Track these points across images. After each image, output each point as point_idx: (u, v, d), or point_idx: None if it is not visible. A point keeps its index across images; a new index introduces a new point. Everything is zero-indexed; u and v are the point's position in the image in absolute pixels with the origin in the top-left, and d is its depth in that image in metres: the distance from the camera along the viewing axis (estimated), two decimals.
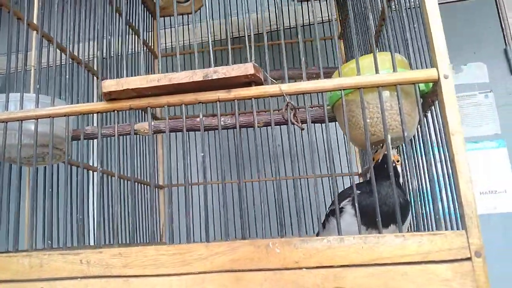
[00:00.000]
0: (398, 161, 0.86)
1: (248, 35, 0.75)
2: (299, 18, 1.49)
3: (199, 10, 1.61)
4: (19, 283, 0.75)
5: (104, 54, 0.82)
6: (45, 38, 0.91)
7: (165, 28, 1.62)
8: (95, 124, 1.23)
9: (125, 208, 1.19)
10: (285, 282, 0.67)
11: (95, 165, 0.78)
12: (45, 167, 0.90)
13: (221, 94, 0.74)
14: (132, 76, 0.74)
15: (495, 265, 1.53)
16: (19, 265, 0.75)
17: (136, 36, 1.42)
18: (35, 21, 0.96)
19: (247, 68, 0.71)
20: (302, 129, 0.74)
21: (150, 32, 1.59)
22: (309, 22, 1.49)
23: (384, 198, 0.81)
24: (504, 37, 1.67)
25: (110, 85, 0.74)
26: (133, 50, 1.38)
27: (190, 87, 0.74)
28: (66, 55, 0.86)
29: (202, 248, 0.71)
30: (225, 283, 0.69)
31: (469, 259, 0.64)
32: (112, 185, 1.05)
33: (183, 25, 1.53)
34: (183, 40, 1.63)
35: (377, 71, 0.72)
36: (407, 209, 0.84)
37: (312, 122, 0.77)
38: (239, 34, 1.76)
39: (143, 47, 1.42)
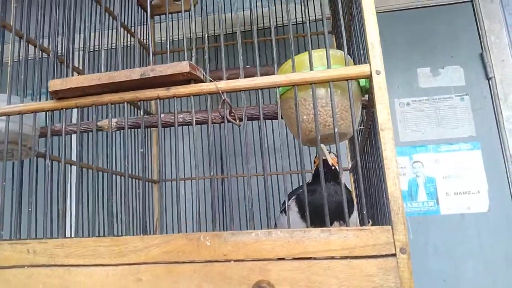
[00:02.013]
0: (337, 163, 0.81)
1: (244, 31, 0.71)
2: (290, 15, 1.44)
3: (194, 8, 1.55)
4: None
5: (85, 49, 0.78)
6: (18, 35, 0.88)
7: (160, 23, 1.57)
8: (74, 121, 1.22)
9: (117, 202, 1.17)
10: (214, 274, 0.62)
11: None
12: (13, 163, 0.88)
13: (161, 92, 0.70)
14: None
15: (468, 263, 1.45)
16: None
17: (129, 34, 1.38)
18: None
19: (182, 66, 0.67)
20: (239, 125, 0.69)
21: (144, 28, 1.53)
22: (302, 20, 1.44)
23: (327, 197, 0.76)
24: (480, 42, 1.59)
25: (56, 84, 0.71)
26: (127, 46, 1.34)
27: (132, 85, 0.71)
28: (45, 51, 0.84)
29: (138, 240, 0.67)
30: (158, 274, 0.65)
31: (393, 255, 0.58)
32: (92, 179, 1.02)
33: (177, 20, 1.47)
34: (178, 36, 1.58)
35: (311, 68, 0.67)
36: (348, 207, 0.78)
37: (248, 120, 0.72)
38: (232, 31, 1.68)
39: (138, 46, 1.40)
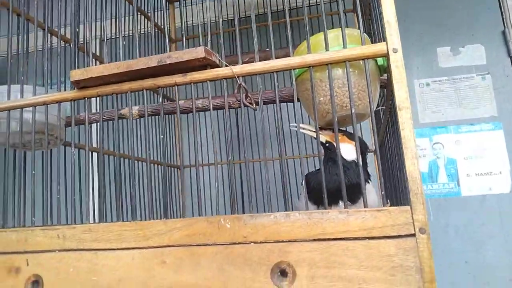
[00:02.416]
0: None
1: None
2: None
3: None
4: (8, 255, 0.75)
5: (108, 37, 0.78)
6: (40, 27, 0.89)
7: (179, 8, 1.55)
8: (93, 110, 1.23)
9: (139, 188, 1.19)
10: (234, 256, 0.63)
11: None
12: (42, 152, 0.90)
13: (178, 78, 0.70)
14: None
15: (489, 244, 1.42)
16: (7, 239, 0.75)
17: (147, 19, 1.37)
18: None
19: (198, 52, 0.67)
20: (255, 109, 0.69)
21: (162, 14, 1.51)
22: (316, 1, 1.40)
23: (329, 176, 0.75)
24: (502, 19, 1.52)
25: (77, 74, 0.72)
26: (145, 32, 1.33)
27: (150, 72, 0.71)
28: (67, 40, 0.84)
29: (161, 224, 0.68)
30: (181, 256, 0.66)
31: (413, 235, 0.57)
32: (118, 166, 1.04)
33: (191, 5, 1.45)
34: (192, 21, 1.57)
35: (327, 49, 0.66)
36: (356, 188, 0.76)
37: (264, 104, 0.72)
38: (246, 15, 1.65)
39: (155, 29, 1.39)
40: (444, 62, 1.56)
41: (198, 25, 0.73)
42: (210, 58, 0.68)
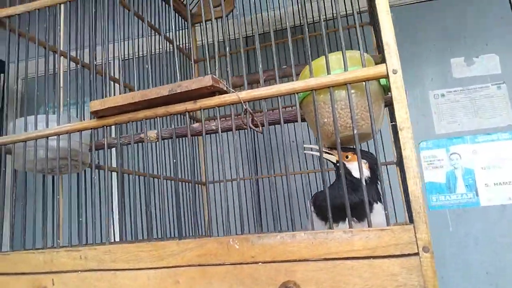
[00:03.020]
0: (348, 159, 0.78)
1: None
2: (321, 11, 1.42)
3: (231, 13, 1.55)
4: (36, 275, 0.78)
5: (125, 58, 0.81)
6: (63, 56, 0.93)
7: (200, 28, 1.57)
8: (112, 135, 1.27)
9: (168, 206, 1.21)
10: (243, 276, 0.64)
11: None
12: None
13: (189, 105, 0.73)
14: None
15: (510, 254, 1.36)
16: (36, 260, 0.79)
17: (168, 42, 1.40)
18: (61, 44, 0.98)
19: (205, 81, 0.69)
20: (261, 132, 0.70)
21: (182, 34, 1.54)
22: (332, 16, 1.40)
23: (337, 193, 0.74)
24: None
25: (96, 104, 0.75)
26: (166, 55, 1.36)
27: (163, 100, 0.74)
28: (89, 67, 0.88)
29: (174, 245, 0.69)
30: (194, 276, 0.67)
31: (416, 254, 0.56)
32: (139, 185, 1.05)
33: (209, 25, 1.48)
34: (218, 39, 1.59)
35: (328, 72, 0.67)
36: (361, 206, 0.75)
37: (270, 124, 0.73)
38: (263, 31, 1.66)
39: (177, 53, 1.43)
40: (458, 73, 1.54)
41: (205, 46, 0.75)
42: (218, 86, 0.70)
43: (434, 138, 1.50)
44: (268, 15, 0.74)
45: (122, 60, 0.83)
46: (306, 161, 1.32)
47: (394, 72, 0.63)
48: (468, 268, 1.38)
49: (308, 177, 1.27)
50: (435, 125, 1.52)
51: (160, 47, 1.24)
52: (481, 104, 1.48)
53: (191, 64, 1.56)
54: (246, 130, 0.68)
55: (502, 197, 1.40)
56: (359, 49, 0.67)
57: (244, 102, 0.69)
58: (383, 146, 1.16)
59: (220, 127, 0.84)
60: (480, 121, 1.46)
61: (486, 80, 1.49)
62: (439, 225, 1.43)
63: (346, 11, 1.29)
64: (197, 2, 1.52)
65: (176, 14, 1.46)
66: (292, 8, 1.43)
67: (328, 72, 0.66)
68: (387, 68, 0.63)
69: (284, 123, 0.78)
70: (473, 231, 1.40)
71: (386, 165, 1.25)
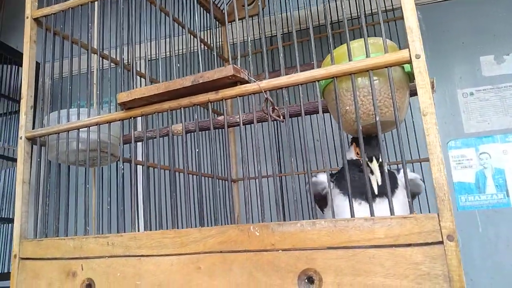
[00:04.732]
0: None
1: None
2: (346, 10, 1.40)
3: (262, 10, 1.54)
4: (67, 260, 0.80)
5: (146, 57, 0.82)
6: (93, 53, 0.95)
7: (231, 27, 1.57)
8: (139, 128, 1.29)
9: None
10: (263, 262, 0.62)
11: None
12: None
13: (211, 96, 0.73)
14: None
15: None
16: (67, 246, 0.80)
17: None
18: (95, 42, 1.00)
19: (227, 70, 0.69)
20: (282, 121, 0.69)
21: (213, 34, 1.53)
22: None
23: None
24: None
25: (123, 96, 0.76)
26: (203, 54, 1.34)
27: (187, 91, 0.74)
28: (120, 65, 0.89)
29: (196, 232, 0.69)
30: (215, 262, 0.66)
31: (440, 242, 0.53)
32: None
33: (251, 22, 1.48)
34: (254, 36, 1.56)
35: (350, 59, 0.65)
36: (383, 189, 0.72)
37: (291, 116, 0.71)
38: (300, 27, 1.63)
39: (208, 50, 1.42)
40: (487, 71, 1.47)
41: (233, 45, 0.75)
42: (239, 75, 0.69)
43: (463, 137, 1.44)
44: (292, 14, 0.73)
45: (149, 60, 0.84)
46: (329, 158, 1.29)
47: (417, 57, 0.60)
48: (499, 271, 1.31)
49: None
50: (464, 124, 1.45)
51: (191, 45, 1.26)
52: (511, 102, 1.40)
53: (221, 62, 1.57)
54: (269, 126, 0.67)
55: None
56: (382, 36, 0.64)
57: (265, 91, 0.69)
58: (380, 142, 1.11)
59: (243, 119, 0.83)
60: (511, 120, 1.39)
61: None
62: (469, 226, 1.37)
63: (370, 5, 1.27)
64: (229, 1, 1.53)
65: (204, 11, 1.47)
66: (317, 7, 1.42)
67: (350, 59, 0.64)
68: (410, 53, 0.60)
69: (306, 114, 0.76)
70: (503, 233, 1.33)
71: (412, 163, 1.21)
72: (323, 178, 0.87)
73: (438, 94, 1.49)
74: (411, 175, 0.85)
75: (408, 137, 1.12)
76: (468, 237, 1.36)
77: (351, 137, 0.84)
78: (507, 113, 1.41)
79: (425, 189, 1.11)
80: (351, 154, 0.80)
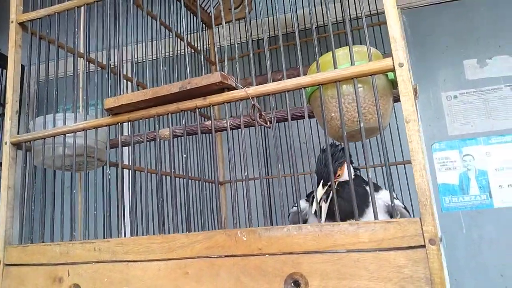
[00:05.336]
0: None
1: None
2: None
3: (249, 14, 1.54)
4: (53, 266, 0.79)
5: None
6: (80, 57, 0.95)
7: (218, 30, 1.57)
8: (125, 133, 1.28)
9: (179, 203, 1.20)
10: (250, 267, 0.63)
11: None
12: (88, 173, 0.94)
13: (198, 102, 0.73)
14: None
15: None
16: (52, 252, 0.80)
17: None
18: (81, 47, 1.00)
19: (214, 77, 0.69)
20: (269, 127, 0.70)
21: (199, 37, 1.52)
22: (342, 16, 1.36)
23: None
24: None
25: (110, 102, 0.76)
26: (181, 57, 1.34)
27: (174, 97, 0.74)
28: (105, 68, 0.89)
29: (184, 237, 0.70)
30: (202, 267, 0.67)
31: (423, 246, 0.55)
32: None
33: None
34: (240, 39, 1.56)
35: (335, 67, 0.66)
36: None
37: (278, 121, 0.72)
38: (286, 31, 1.64)
39: (195, 53, 1.43)
40: (471, 74, 1.50)
41: (221, 48, 0.76)
42: (226, 82, 0.70)
43: (447, 139, 1.47)
44: (277, 18, 0.73)
45: (135, 63, 0.84)
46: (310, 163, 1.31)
47: (400, 65, 0.62)
48: (482, 271, 1.33)
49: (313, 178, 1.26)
50: (448, 126, 1.48)
51: (178, 48, 1.26)
52: (494, 105, 1.43)
53: (208, 66, 1.57)
54: (256, 130, 0.68)
55: None
56: (366, 44, 0.66)
57: (252, 98, 0.69)
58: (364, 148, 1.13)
59: (230, 124, 0.84)
60: (493, 123, 1.42)
61: (499, 81, 1.45)
62: (453, 227, 1.39)
63: (356, 10, 1.29)
64: (216, 4, 1.53)
65: (191, 14, 1.47)
66: (303, 11, 1.43)
67: (335, 67, 0.66)
68: (393, 61, 0.62)
69: (292, 119, 0.77)
70: (487, 233, 1.36)
71: (396, 165, 1.24)
72: (304, 204, 0.90)
73: (423, 97, 1.52)
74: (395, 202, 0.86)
75: (392, 140, 1.14)
76: (452, 238, 1.39)
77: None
78: (490, 116, 1.44)
79: (409, 192, 1.13)
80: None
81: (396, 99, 0.78)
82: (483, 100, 1.46)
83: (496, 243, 1.34)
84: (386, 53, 0.84)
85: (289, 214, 0.99)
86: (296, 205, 0.89)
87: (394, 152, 1.20)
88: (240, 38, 1.64)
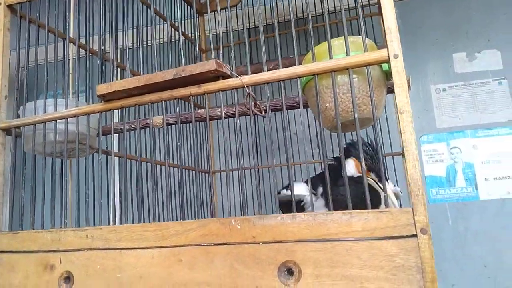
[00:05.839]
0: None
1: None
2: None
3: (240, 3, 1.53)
4: (44, 253, 0.79)
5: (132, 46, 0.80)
6: (71, 42, 0.93)
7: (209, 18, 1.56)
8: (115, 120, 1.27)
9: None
10: (244, 255, 0.64)
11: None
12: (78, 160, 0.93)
13: (193, 89, 0.73)
14: None
15: (509, 249, 1.35)
16: (44, 239, 0.79)
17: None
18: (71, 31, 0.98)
19: (209, 65, 0.69)
20: (263, 117, 0.70)
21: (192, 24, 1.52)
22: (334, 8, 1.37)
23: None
24: None
25: (102, 88, 0.75)
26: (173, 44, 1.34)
27: (168, 84, 0.73)
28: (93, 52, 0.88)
29: (178, 225, 0.70)
30: (196, 255, 0.67)
31: (414, 235, 0.56)
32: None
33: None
34: (233, 27, 1.55)
35: (331, 57, 0.66)
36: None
37: (273, 111, 0.72)
38: (284, 19, 1.62)
39: (185, 40, 1.42)
40: (460, 68, 1.52)
41: (211, 36, 0.75)
42: (221, 70, 0.69)
43: (435, 132, 1.49)
44: (272, 6, 0.73)
45: (129, 49, 0.83)
46: (305, 152, 1.32)
47: (395, 56, 0.62)
48: (467, 261, 1.37)
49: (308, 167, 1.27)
50: (436, 119, 1.50)
51: (169, 36, 1.24)
52: (482, 99, 1.46)
53: (199, 53, 1.55)
54: (250, 120, 0.68)
55: (501, 192, 1.38)
56: (362, 34, 0.66)
57: (247, 86, 0.69)
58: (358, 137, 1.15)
59: (224, 112, 0.83)
60: (481, 116, 1.45)
61: (488, 75, 1.47)
62: (439, 219, 1.42)
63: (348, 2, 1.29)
64: None
65: (184, 2, 1.45)
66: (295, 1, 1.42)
67: (330, 57, 0.66)
68: (388, 52, 0.62)
69: (287, 109, 0.77)
70: (472, 225, 1.39)
71: (393, 156, 1.25)
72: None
73: (412, 89, 1.54)
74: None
75: (381, 132, 1.15)
76: (438, 229, 1.42)
77: (346, 147, 0.85)
78: (478, 109, 1.47)
79: (397, 184, 1.15)
80: (352, 171, 0.81)
81: (389, 90, 0.79)
82: (471, 93, 1.48)
83: (481, 234, 1.37)
84: (378, 44, 0.84)
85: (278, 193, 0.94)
86: (287, 189, 0.88)
87: (383, 144, 1.21)
88: (232, 26, 1.62)
